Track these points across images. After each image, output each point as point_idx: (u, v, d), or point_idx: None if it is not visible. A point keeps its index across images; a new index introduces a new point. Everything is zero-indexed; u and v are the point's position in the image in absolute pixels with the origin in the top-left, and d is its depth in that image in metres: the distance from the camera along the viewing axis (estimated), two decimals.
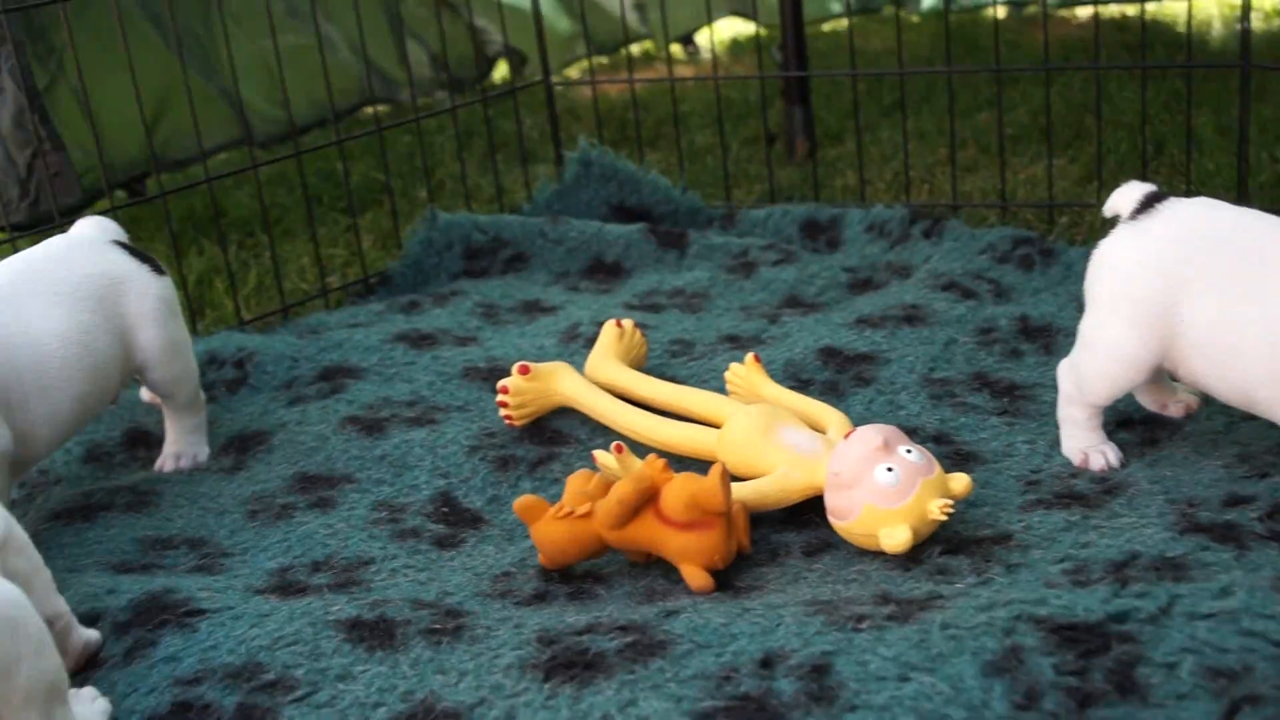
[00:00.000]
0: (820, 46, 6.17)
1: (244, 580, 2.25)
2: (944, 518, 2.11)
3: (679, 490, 2.13)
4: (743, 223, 3.79)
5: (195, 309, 3.44)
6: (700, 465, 2.40)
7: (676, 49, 6.68)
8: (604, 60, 6.49)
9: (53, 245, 2.66)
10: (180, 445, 2.77)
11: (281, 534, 2.42)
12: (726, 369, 2.70)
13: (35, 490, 2.74)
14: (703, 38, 6.84)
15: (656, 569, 2.21)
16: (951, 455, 2.46)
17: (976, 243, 3.35)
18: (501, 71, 6.27)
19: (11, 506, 2.70)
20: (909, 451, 2.16)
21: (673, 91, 4.03)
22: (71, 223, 2.79)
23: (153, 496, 2.61)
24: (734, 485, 2.22)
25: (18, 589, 1.64)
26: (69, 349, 2.51)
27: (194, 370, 2.77)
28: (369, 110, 5.37)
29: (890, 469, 2.13)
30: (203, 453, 2.77)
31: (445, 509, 2.48)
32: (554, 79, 4.24)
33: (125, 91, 3.32)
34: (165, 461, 2.76)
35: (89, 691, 1.90)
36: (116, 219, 2.81)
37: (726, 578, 2.15)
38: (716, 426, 2.49)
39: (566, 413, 2.70)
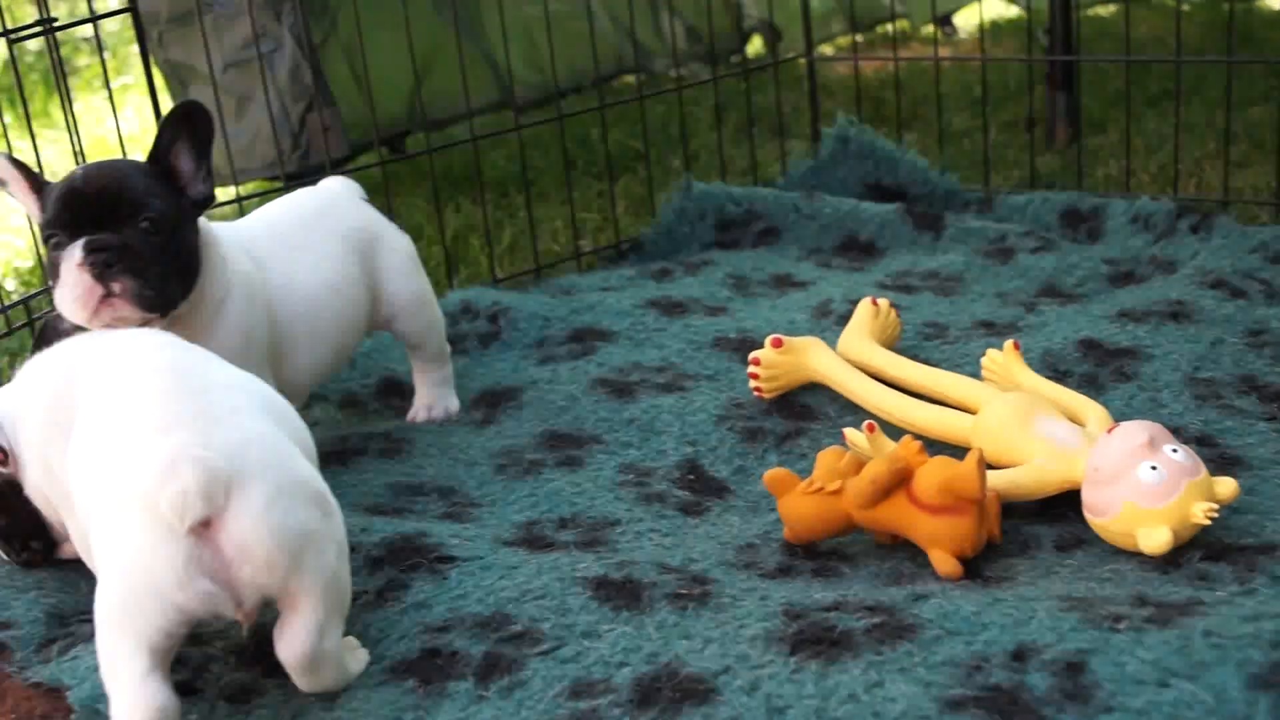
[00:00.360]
0: (1082, 32, 5.99)
1: (492, 531, 2.29)
2: (1207, 522, 2.02)
3: (934, 474, 2.09)
4: (1000, 208, 3.70)
5: (451, 265, 3.50)
6: (951, 450, 2.34)
7: (932, 29, 6.57)
8: (858, 38, 6.42)
9: (313, 199, 2.76)
10: (431, 397, 2.83)
11: (529, 489, 2.45)
12: (981, 355, 2.63)
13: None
14: (961, 19, 6.71)
15: (903, 551, 2.17)
16: (1215, 459, 2.35)
17: (1248, 241, 3.21)
18: (755, 46, 6.24)
19: None
20: (1174, 451, 2.08)
21: (936, 71, 3.96)
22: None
23: (405, 445, 2.68)
24: (989, 473, 2.17)
25: None
26: (337, 300, 2.60)
27: (440, 322, 2.84)
28: (624, 79, 5.41)
29: (1154, 467, 2.05)
30: (453, 404, 2.83)
31: (691, 476, 2.48)
32: (815, 54, 4.19)
33: (390, 51, 3.40)
34: (418, 412, 2.82)
35: (351, 640, 1.96)
36: (379, 174, 2.89)
37: (975, 566, 2.10)
38: (970, 412, 2.44)
39: (816, 388, 2.67)
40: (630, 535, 2.26)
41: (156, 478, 1.76)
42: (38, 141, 5.90)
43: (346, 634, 1.99)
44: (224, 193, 3.79)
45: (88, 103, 6.63)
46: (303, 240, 2.62)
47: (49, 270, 2.28)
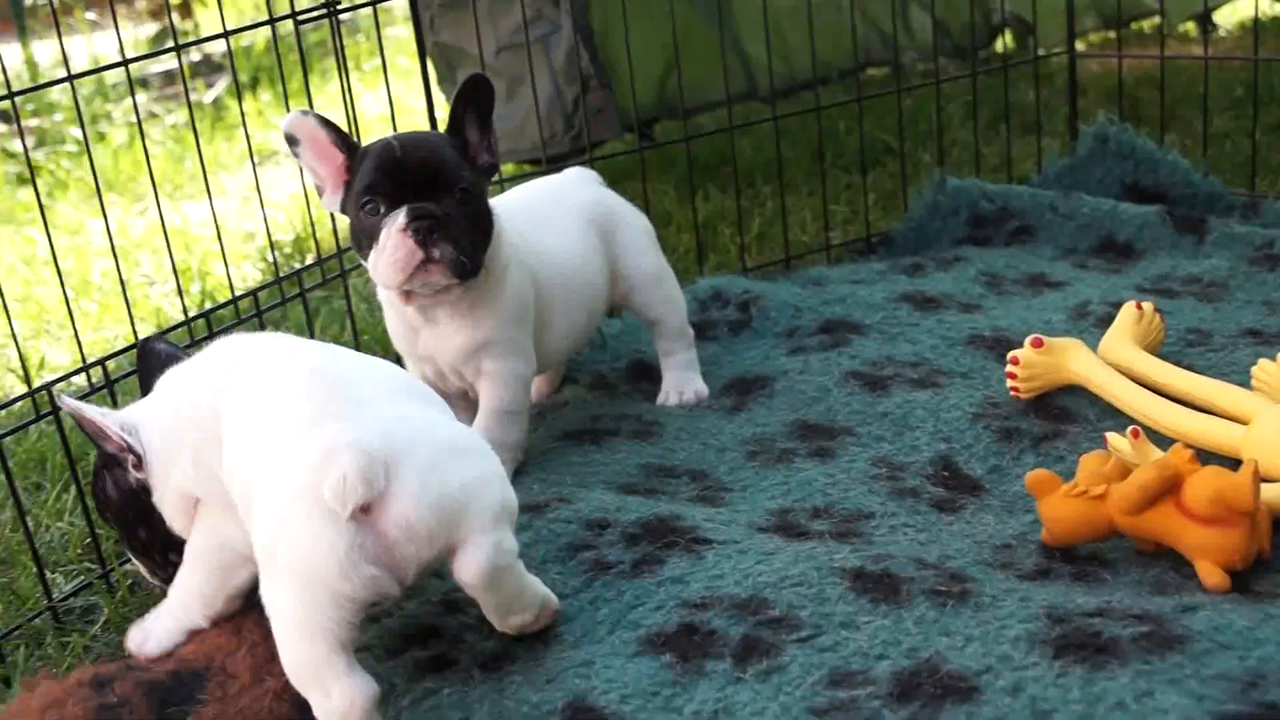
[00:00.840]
0: None
1: (745, 516, 2.30)
2: None
3: (1205, 483, 2.03)
4: (1268, 214, 3.56)
5: (700, 252, 3.52)
6: (1218, 460, 2.27)
7: (1190, 26, 6.36)
8: (1110, 35, 6.25)
9: (554, 180, 2.89)
10: (678, 381, 2.86)
11: (781, 477, 2.46)
12: (1249, 364, 2.54)
13: (545, 410, 2.88)
14: (1221, 16, 6.49)
15: (1165, 560, 2.11)
16: None
17: None
18: (1002, 42, 6.12)
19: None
20: None
21: (1206, 70, 3.83)
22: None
23: (656, 427, 2.71)
24: (1262, 486, 2.10)
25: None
26: (585, 269, 2.71)
27: (680, 300, 2.88)
28: (869, 73, 5.37)
29: None
30: (701, 388, 2.85)
31: (945, 473, 2.45)
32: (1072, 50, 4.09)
33: (641, 40, 3.44)
34: (667, 396, 2.85)
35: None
36: (626, 162, 2.93)
37: (1244, 580, 2.03)
38: (1240, 423, 2.36)
39: (1074, 391, 2.62)
40: (884, 529, 2.24)
41: (314, 468, 1.79)
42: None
43: (594, 597, 2.04)
44: None
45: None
46: (549, 215, 2.72)
47: (360, 234, 2.37)
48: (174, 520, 2.25)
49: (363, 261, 2.42)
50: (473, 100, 2.41)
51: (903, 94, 3.68)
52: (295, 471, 1.82)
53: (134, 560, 2.36)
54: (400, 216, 2.30)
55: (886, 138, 4.34)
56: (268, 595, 1.87)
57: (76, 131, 5.87)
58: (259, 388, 2.01)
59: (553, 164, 3.27)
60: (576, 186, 2.86)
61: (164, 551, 2.31)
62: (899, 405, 2.65)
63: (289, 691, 2.11)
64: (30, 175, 2.48)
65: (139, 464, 2.22)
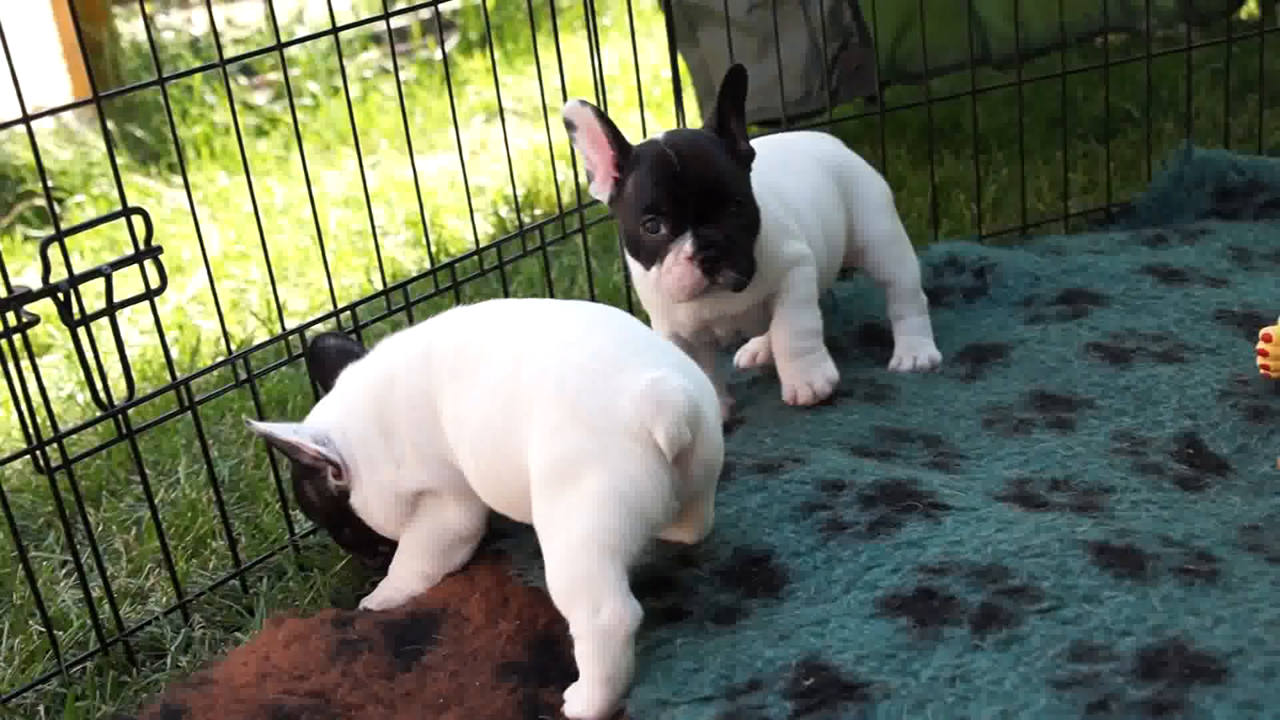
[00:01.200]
0: None
1: (982, 485, 2.26)
2: None
3: None
4: None
5: (934, 218, 3.47)
6: None
7: None
8: None
9: (796, 135, 2.91)
10: (911, 346, 2.83)
11: (1019, 447, 2.41)
12: None
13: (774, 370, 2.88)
14: None
15: None
16: None
17: None
18: (1248, 8, 5.89)
19: (752, 383, 2.86)
20: None
21: None
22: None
23: (890, 391, 2.68)
24: None
25: None
26: (822, 210, 2.72)
27: (914, 262, 2.86)
28: (1100, 39, 5.21)
29: None
30: (935, 353, 2.81)
31: (1190, 450, 2.38)
32: None
33: (872, 5, 3.40)
34: (901, 361, 2.82)
35: None
36: (859, 126, 2.91)
37: None
38: None
39: None
40: (1126, 504, 2.19)
41: (649, 411, 1.88)
42: (519, 79, 6.21)
43: (829, 556, 2.07)
44: None
45: (566, 43, 6.90)
46: (788, 159, 2.74)
47: (639, 247, 2.42)
48: (385, 523, 2.32)
49: (633, 261, 2.47)
50: (735, 92, 2.43)
51: (1139, 62, 3.57)
52: (618, 410, 1.90)
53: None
54: (687, 245, 2.35)
55: (1127, 105, 4.21)
56: (553, 513, 1.94)
57: (313, 85, 6.04)
58: (541, 341, 2.05)
59: (791, 125, 3.25)
60: (818, 141, 2.88)
61: (371, 546, 2.39)
62: (1142, 379, 2.58)
63: (521, 634, 2.16)
64: (295, 129, 2.55)
65: (338, 473, 2.30)
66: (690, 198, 2.35)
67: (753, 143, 2.69)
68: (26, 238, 4.91)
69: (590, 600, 1.89)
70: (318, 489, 2.33)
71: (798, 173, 2.72)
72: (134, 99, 5.75)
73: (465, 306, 2.29)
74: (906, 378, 2.75)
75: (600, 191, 2.47)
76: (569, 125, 2.44)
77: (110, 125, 5.72)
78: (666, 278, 2.38)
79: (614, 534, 1.89)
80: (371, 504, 2.30)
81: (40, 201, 5.19)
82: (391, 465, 2.26)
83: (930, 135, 3.37)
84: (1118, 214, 3.54)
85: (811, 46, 3.82)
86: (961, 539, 2.02)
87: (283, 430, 2.29)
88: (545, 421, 1.95)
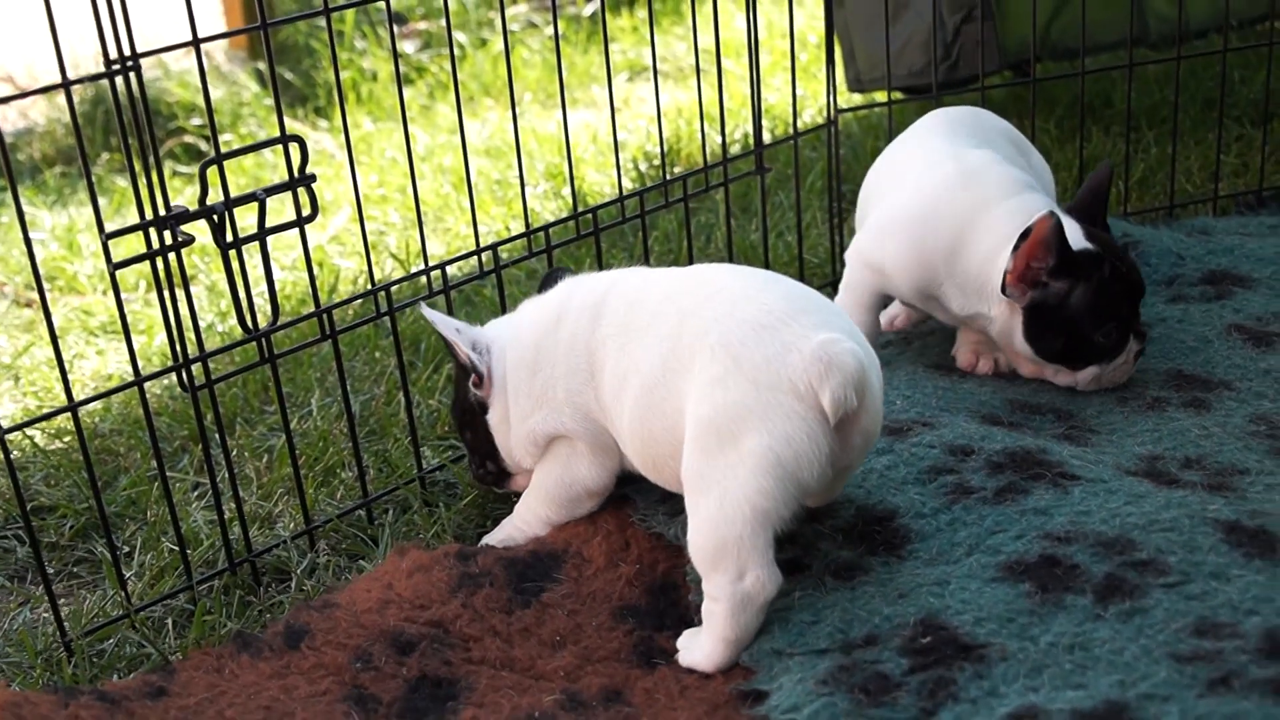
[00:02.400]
0: None
1: (1112, 458, 2.24)
2: None
3: None
4: None
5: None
6: None
7: None
8: None
9: (965, 109, 2.87)
10: None
11: (1152, 424, 2.38)
12: None
13: (911, 337, 2.87)
14: None
15: None
16: None
17: None
18: None
19: (885, 346, 2.85)
20: None
21: None
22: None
23: None
24: None
25: None
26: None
27: None
28: (1266, 25, 5.07)
29: None
30: None
31: None
32: None
33: None
34: None
35: None
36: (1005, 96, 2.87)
37: None
38: None
39: None
40: (1260, 486, 2.15)
41: (818, 371, 1.86)
42: (665, 38, 6.22)
43: (952, 519, 2.07)
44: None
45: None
46: (970, 131, 2.74)
47: (1085, 349, 2.47)
48: (512, 450, 2.36)
49: (1035, 349, 2.49)
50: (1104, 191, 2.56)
51: None
52: (785, 367, 1.88)
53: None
54: (1134, 346, 2.48)
55: None
56: (710, 472, 1.90)
57: (461, 36, 6.09)
58: (708, 295, 2.04)
59: (926, 94, 3.21)
60: (987, 115, 2.85)
61: (483, 459, 2.43)
62: None
63: (641, 578, 2.19)
64: (453, 76, 2.58)
65: (479, 383, 2.33)
66: (1135, 303, 2.46)
67: (930, 120, 2.69)
68: (176, 173, 5.03)
69: (736, 565, 1.89)
70: (460, 389, 2.39)
71: (983, 142, 2.70)
72: (286, 41, 5.85)
73: (642, 268, 2.30)
74: None
75: (1015, 291, 2.43)
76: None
77: (261, 66, 5.83)
78: (1112, 374, 2.50)
79: (770, 498, 1.87)
80: (503, 428, 2.34)
81: (190, 139, 5.32)
82: (531, 402, 2.28)
83: (1081, 108, 3.32)
84: (1269, 198, 3.45)
85: (937, 17, 3.77)
86: (1089, 509, 2.00)
87: (446, 324, 2.34)
88: (707, 372, 1.93)
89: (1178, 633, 1.74)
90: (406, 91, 5.70)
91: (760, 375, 1.88)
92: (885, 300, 2.71)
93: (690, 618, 2.09)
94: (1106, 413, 2.45)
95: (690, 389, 1.96)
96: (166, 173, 4.91)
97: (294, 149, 2.26)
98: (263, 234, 2.24)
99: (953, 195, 2.53)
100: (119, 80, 2.08)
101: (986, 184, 2.54)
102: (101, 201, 4.42)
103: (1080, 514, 1.99)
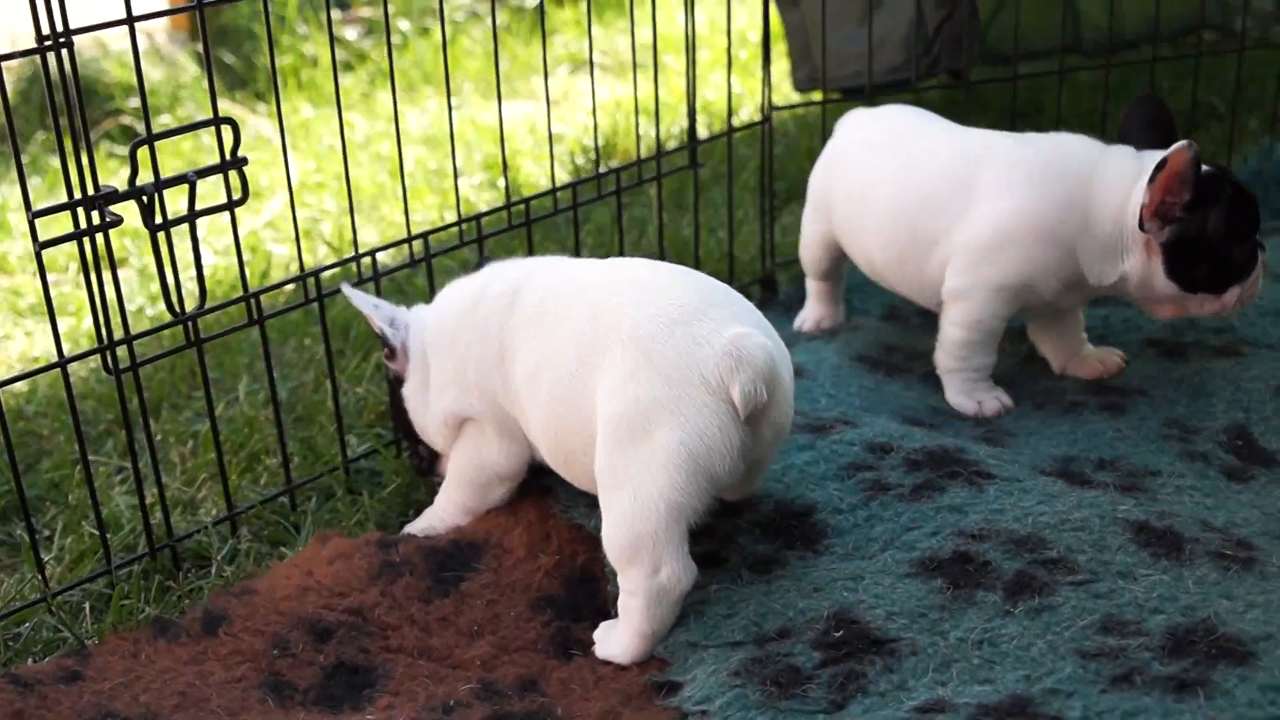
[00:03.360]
0: None
1: (1028, 459, 2.28)
2: None
3: None
4: None
5: None
6: None
7: None
8: None
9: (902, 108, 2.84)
10: None
11: (1068, 426, 2.43)
12: None
13: (839, 330, 2.90)
14: None
15: None
16: None
17: None
18: None
19: (811, 340, 2.87)
20: None
21: None
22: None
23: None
24: None
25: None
26: None
27: None
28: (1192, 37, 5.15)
29: None
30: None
31: (1239, 442, 2.38)
32: None
33: None
34: None
35: None
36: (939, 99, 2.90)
37: None
38: None
39: None
40: (1171, 488, 2.19)
41: (723, 365, 1.87)
42: (607, 31, 6.23)
43: (869, 515, 2.09)
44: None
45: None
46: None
47: (1229, 268, 2.43)
48: (425, 429, 2.39)
49: (1180, 284, 2.44)
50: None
51: (1231, 57, 3.53)
52: (695, 362, 1.88)
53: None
54: (1262, 256, 2.47)
55: (1213, 100, 4.18)
56: (623, 467, 1.91)
57: (404, 24, 6.07)
58: (618, 287, 2.05)
59: (877, 94, 3.23)
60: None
61: (415, 441, 2.47)
62: (1197, 371, 2.57)
63: (560, 569, 2.20)
64: (389, 64, 2.57)
65: (391, 355, 2.37)
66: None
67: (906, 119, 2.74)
68: (111, 155, 4.99)
69: (651, 560, 1.90)
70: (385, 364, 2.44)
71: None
72: (228, 24, 5.81)
73: (564, 258, 2.31)
74: None
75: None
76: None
77: (200, 48, 5.79)
78: (1250, 288, 2.45)
79: (683, 492, 1.88)
80: (418, 404, 2.37)
81: (127, 120, 5.27)
82: (444, 379, 2.30)
83: (1013, 112, 3.36)
84: None
85: (916, 13, 3.79)
86: (1003, 508, 2.04)
87: (365, 300, 2.38)
88: (619, 368, 1.93)
89: (1084, 630, 1.78)
90: (347, 79, 5.68)
91: (671, 370, 1.89)
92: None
93: (608, 609, 2.11)
94: (1024, 417, 2.49)
95: (602, 382, 1.96)
96: (103, 154, 4.87)
97: (226, 131, 2.25)
98: (192, 216, 2.24)
99: (1059, 176, 2.48)
100: (50, 57, 2.06)
101: (1069, 150, 2.53)
102: (35, 181, 4.38)
103: (994, 512, 2.03)
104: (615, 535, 1.93)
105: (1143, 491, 2.16)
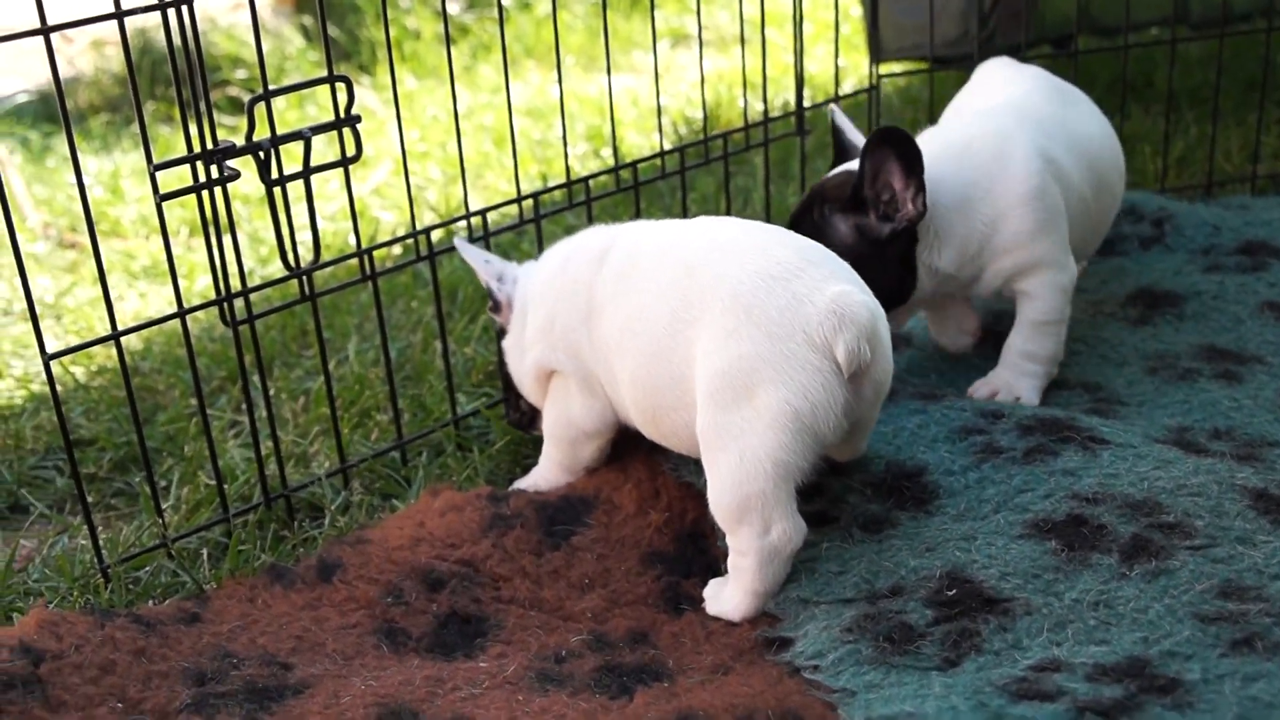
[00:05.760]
0: None
1: (1141, 428, 2.25)
2: None
3: None
4: None
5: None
6: None
7: None
8: None
9: (1026, 70, 2.77)
10: None
11: (1183, 395, 2.40)
12: None
13: None
14: None
15: None
16: None
17: None
18: None
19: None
20: None
21: None
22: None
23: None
24: None
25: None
26: (1112, 147, 2.69)
27: None
28: None
29: None
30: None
31: None
32: None
33: None
34: None
35: None
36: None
37: None
38: None
39: None
40: None
41: (832, 324, 1.86)
42: (708, 7, 6.23)
43: (981, 477, 2.08)
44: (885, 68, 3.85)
45: None
46: (1063, 98, 2.66)
47: None
48: (519, 380, 2.41)
49: None
50: (889, 151, 2.29)
51: None
52: (799, 319, 1.88)
53: None
54: None
55: None
56: (724, 425, 1.91)
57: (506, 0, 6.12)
58: (720, 247, 2.03)
59: (959, 65, 3.20)
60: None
61: (516, 398, 2.48)
62: None
63: (670, 526, 2.21)
64: (501, 39, 2.59)
65: (496, 308, 2.40)
66: None
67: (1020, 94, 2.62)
68: (219, 125, 5.06)
69: (761, 519, 1.91)
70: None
71: (1088, 116, 2.64)
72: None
73: (653, 220, 2.32)
74: (1072, 322, 2.70)
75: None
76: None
77: (306, 21, 5.86)
78: None
79: (789, 451, 1.88)
80: (515, 357, 2.39)
81: (233, 91, 5.35)
82: (534, 333, 2.31)
83: (1123, 85, 3.32)
84: None
85: None
86: (1118, 472, 2.02)
87: (475, 254, 2.42)
88: (719, 325, 1.92)
89: (1202, 594, 1.76)
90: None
91: (774, 327, 1.88)
92: None
93: (718, 566, 2.11)
94: (1136, 384, 2.46)
95: (701, 341, 1.96)
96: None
97: (340, 89, 2.28)
98: (307, 173, 2.27)
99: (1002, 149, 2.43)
100: (171, 14, 2.10)
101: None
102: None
103: (1109, 476, 2.01)
104: (723, 496, 1.93)
105: (1260, 461, 2.12)
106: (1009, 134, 2.42)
